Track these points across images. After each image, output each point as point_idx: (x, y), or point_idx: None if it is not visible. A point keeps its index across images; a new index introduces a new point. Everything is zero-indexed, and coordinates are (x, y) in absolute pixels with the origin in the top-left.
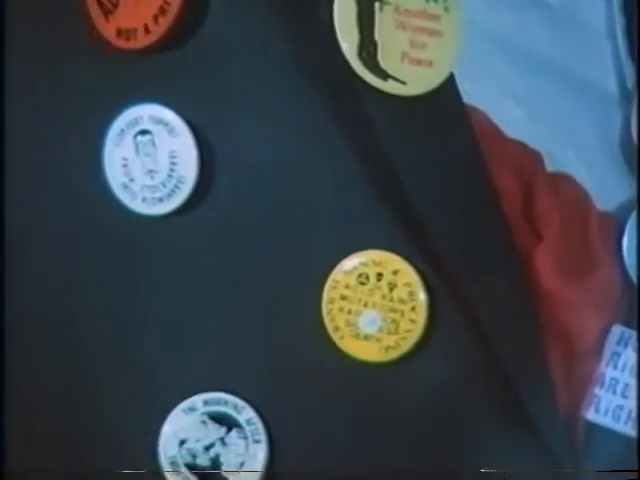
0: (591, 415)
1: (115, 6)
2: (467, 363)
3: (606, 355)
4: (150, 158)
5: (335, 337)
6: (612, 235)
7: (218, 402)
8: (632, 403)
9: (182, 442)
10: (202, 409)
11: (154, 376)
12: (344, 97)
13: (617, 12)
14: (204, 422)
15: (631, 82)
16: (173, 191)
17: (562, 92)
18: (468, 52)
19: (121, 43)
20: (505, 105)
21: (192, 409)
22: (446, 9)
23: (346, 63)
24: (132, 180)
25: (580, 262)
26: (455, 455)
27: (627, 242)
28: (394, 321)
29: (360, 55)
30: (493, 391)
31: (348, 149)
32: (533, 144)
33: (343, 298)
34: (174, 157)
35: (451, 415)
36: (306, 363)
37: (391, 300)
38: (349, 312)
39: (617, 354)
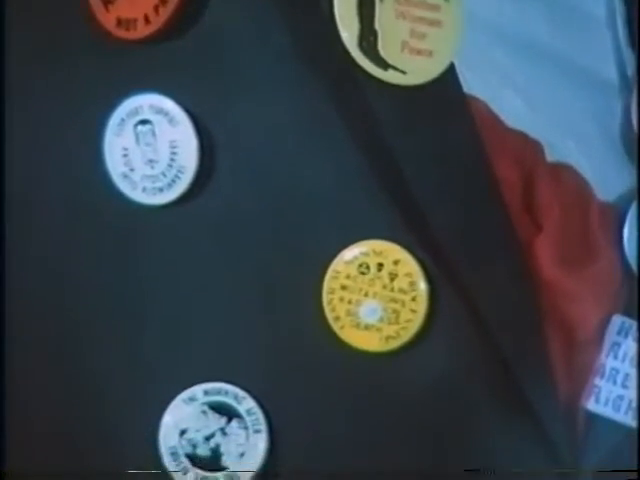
0: (591, 405)
1: None
2: (467, 353)
3: (606, 345)
4: (150, 148)
5: (336, 327)
6: (612, 225)
7: (218, 392)
8: (632, 393)
9: (182, 432)
10: (202, 399)
11: (154, 366)
12: (344, 87)
13: (617, 1)
14: (204, 412)
15: (631, 71)
16: (173, 181)
17: (562, 82)
18: (468, 42)
19: (121, 33)
20: (505, 95)
21: (192, 399)
22: None
23: (346, 53)
24: (132, 170)
25: (580, 252)
26: (455, 445)
27: (627, 232)
28: (395, 311)
29: (360, 45)
30: (493, 381)
31: (348, 139)
32: (533, 134)
33: (344, 288)
34: (174, 147)
35: (451, 404)
36: (307, 353)
37: (392, 290)
38: (350, 302)
39: (617, 344)
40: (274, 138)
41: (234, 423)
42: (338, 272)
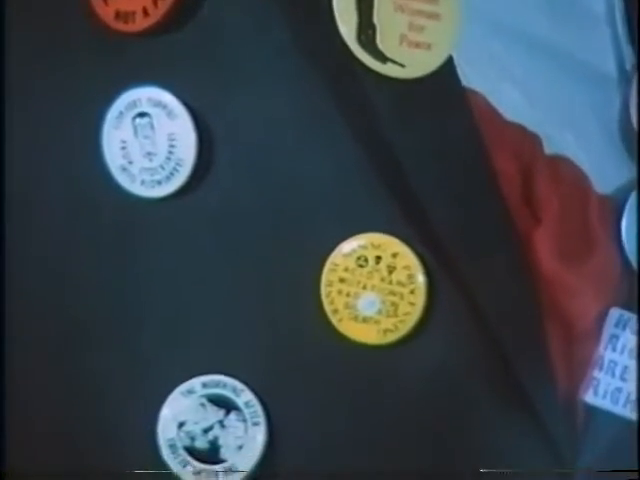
0: (590, 398)
1: None
2: (466, 346)
3: (605, 338)
4: (149, 141)
5: (334, 320)
6: (611, 218)
7: (217, 385)
8: (631, 386)
9: (181, 425)
10: (201, 392)
11: (153, 359)
12: (343, 80)
13: None
14: (203, 405)
15: (630, 64)
16: (172, 174)
17: (561, 75)
18: (467, 35)
19: (119, 26)
20: (504, 88)
21: (191, 392)
22: None
23: (345, 46)
24: (131, 163)
25: (579, 245)
26: (454, 438)
27: (626, 225)
28: (393, 304)
29: (359, 38)
30: (492, 374)
31: (347, 132)
32: (532, 127)
33: (342, 281)
34: (173, 140)
35: (450, 398)
36: (305, 346)
37: (390, 283)
38: (348, 295)
39: (616, 337)
40: (273, 131)
41: (232, 416)
42: (336, 265)
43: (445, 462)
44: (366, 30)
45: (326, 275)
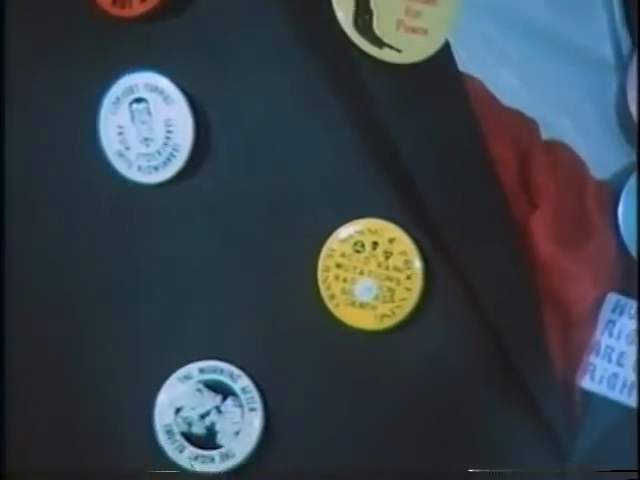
0: (586, 383)
1: None
2: (463, 331)
3: (601, 323)
4: (146, 126)
5: (331, 305)
6: (608, 203)
7: (214, 370)
8: (627, 371)
9: (178, 410)
10: (198, 377)
11: (150, 345)
12: (340, 65)
13: None
14: (200, 390)
15: (626, 49)
16: (169, 159)
17: (558, 60)
18: (464, 20)
19: (116, 11)
20: (501, 73)
21: (188, 377)
22: None
23: (342, 31)
24: (128, 148)
25: (576, 230)
26: (450, 422)
27: (623, 210)
28: (390, 289)
29: (356, 23)
30: (488, 359)
31: (344, 117)
32: (529, 112)
33: (339, 266)
34: (170, 125)
35: (447, 383)
36: (302, 331)
37: (387, 268)
38: (345, 280)
39: (612, 322)
40: (269, 117)
41: (229, 401)
42: (333, 250)
43: (442, 447)
44: (363, 15)
45: (323, 261)
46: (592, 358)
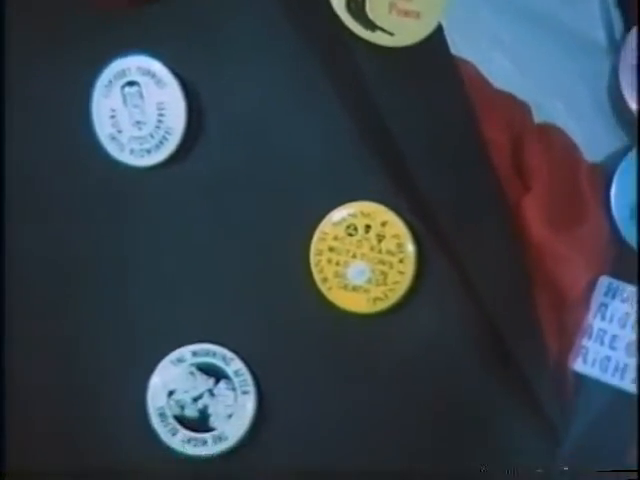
0: (579, 366)
1: None
2: (456, 314)
3: (594, 306)
4: (138, 109)
5: (323, 288)
6: (600, 186)
7: (207, 353)
8: (620, 354)
9: (170, 393)
10: (190, 360)
11: (143, 328)
12: (333, 49)
13: None
14: (192, 373)
15: (619, 32)
16: (161, 142)
17: (551, 43)
18: (456, 3)
19: None
20: (494, 56)
21: (180, 360)
22: None
23: (334, 15)
24: (120, 131)
25: (569, 213)
26: (442, 405)
27: (615, 193)
28: (382, 272)
29: (348, 6)
30: (482, 342)
31: (337, 101)
32: (522, 95)
33: (331, 250)
34: (162, 108)
35: (439, 366)
36: (294, 314)
37: (379, 252)
38: (337, 263)
39: (605, 305)
40: (262, 100)
41: (222, 384)
42: (326, 233)
43: (435, 428)
44: None
45: (315, 244)
46: (584, 341)
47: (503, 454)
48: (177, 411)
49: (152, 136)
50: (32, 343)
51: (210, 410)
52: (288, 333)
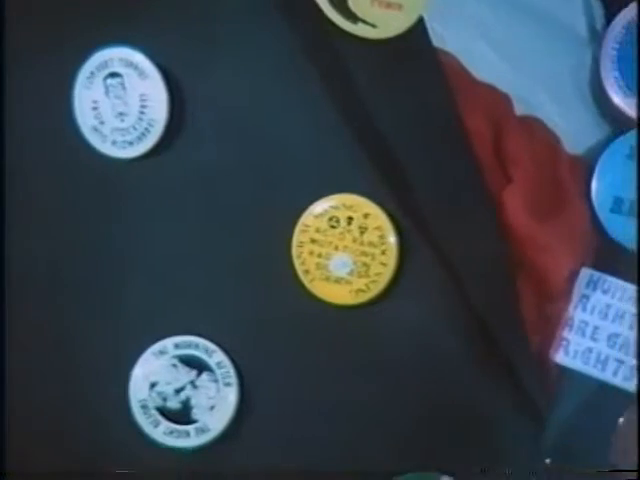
0: (560, 358)
1: None
2: (438, 305)
3: (575, 298)
4: (120, 101)
5: (306, 280)
6: (581, 177)
7: (189, 345)
8: (601, 345)
9: (153, 385)
10: (173, 352)
11: (125, 319)
12: (316, 41)
13: None
14: (175, 365)
15: (600, 24)
16: (143, 134)
17: (533, 34)
18: None
19: None
20: (476, 48)
21: (163, 352)
22: None
23: (317, 7)
24: (102, 123)
25: (550, 204)
26: (426, 395)
27: (597, 184)
28: (365, 264)
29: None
30: (464, 332)
31: (320, 93)
32: (504, 87)
33: (313, 241)
34: (144, 100)
35: (422, 356)
36: (277, 307)
37: (362, 244)
38: (319, 255)
39: (586, 297)
40: (245, 91)
41: (204, 376)
42: (308, 226)
43: (418, 418)
44: None
45: (297, 236)
46: (566, 333)
47: (488, 442)
48: (159, 403)
49: (134, 128)
50: (16, 335)
51: (192, 402)
52: (270, 325)
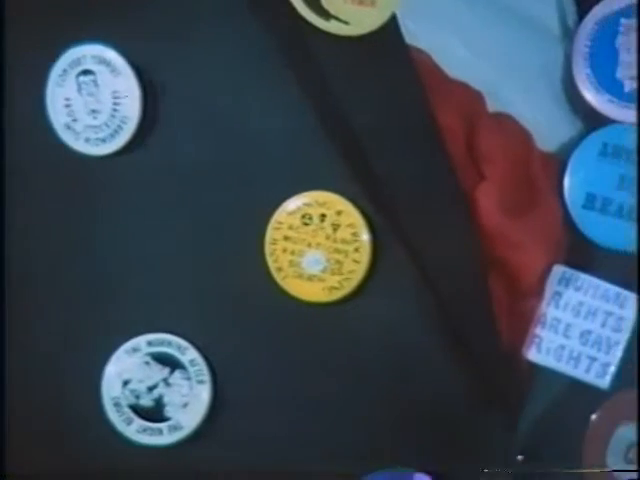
0: (533, 355)
1: None
2: (411, 303)
3: (548, 295)
4: (93, 98)
5: (278, 278)
6: (554, 174)
7: (162, 343)
8: (573, 343)
9: (125, 383)
10: (146, 350)
11: (98, 317)
12: (290, 37)
13: None
14: (147, 363)
15: (572, 21)
16: (116, 131)
17: (505, 31)
18: None
19: None
20: (449, 45)
21: (136, 350)
22: None
23: (290, 4)
24: (75, 120)
25: (523, 201)
26: (398, 392)
27: (569, 181)
28: (338, 262)
29: None
30: (437, 330)
31: (294, 89)
32: (476, 84)
33: (286, 239)
34: (117, 97)
35: (395, 354)
36: (250, 304)
37: (334, 241)
38: (292, 253)
39: (559, 294)
40: (218, 88)
41: (177, 374)
42: (281, 223)
43: (390, 414)
44: None
45: (270, 233)
46: (538, 330)
47: (460, 440)
48: (132, 400)
49: (107, 125)
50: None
51: (165, 399)
52: (243, 323)
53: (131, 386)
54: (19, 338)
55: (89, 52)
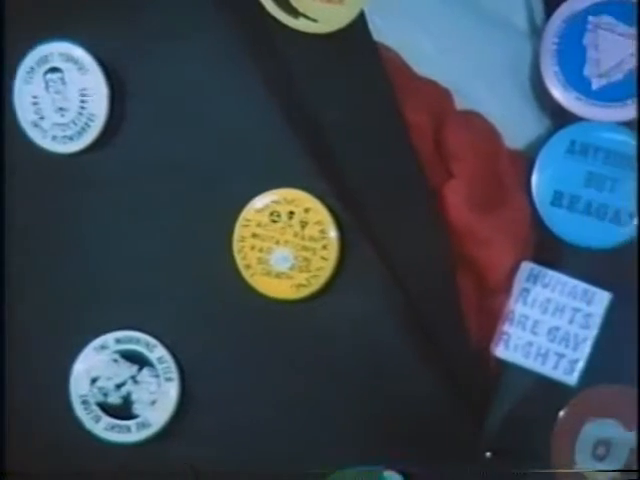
0: (500, 352)
1: None
2: (379, 300)
3: (515, 291)
4: (60, 96)
5: (247, 275)
6: (522, 171)
7: (130, 340)
8: (541, 339)
9: (93, 380)
10: (114, 347)
11: (66, 314)
12: (257, 35)
13: None
14: (115, 360)
15: (540, 17)
16: (83, 129)
17: (473, 27)
18: None
19: None
20: (417, 42)
21: (104, 347)
22: None
23: (257, 1)
24: (42, 118)
25: (491, 198)
26: (367, 390)
27: (537, 179)
28: (306, 259)
29: None
30: (405, 327)
31: (261, 87)
32: (444, 81)
33: (254, 236)
34: (84, 95)
35: (363, 351)
36: (218, 301)
37: (302, 238)
38: (260, 250)
39: (526, 290)
40: (186, 86)
41: (145, 371)
42: (249, 220)
43: (359, 411)
44: None
45: (238, 230)
46: (506, 327)
47: (429, 437)
48: (100, 398)
49: (74, 123)
50: None
51: (133, 397)
52: (211, 320)
53: (99, 384)
54: None
55: (56, 50)
